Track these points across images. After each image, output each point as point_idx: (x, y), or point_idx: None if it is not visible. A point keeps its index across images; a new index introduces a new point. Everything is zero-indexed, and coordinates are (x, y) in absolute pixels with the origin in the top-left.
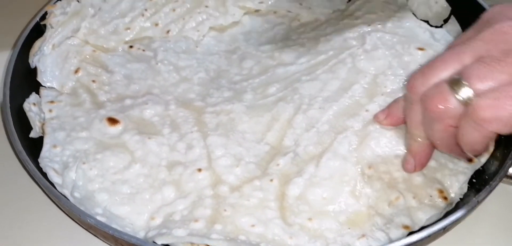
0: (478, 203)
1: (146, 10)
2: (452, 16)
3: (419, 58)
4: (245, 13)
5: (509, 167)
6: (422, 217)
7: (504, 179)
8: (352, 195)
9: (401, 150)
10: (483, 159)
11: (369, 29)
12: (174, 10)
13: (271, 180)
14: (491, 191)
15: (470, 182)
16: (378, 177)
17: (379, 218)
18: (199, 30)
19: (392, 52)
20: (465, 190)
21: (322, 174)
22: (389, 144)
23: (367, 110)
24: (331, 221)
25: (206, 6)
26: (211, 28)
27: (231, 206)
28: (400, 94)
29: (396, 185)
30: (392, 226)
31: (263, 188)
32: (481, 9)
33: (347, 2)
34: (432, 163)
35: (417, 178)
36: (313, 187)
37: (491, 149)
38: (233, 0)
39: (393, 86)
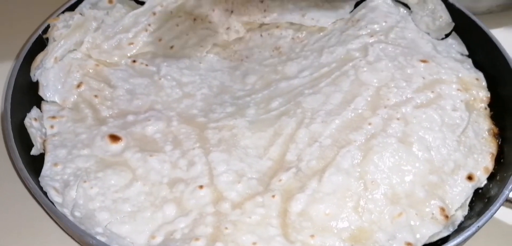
0: (479, 228)
1: (149, 25)
2: (453, 32)
3: (422, 70)
4: (248, 29)
5: (510, 191)
6: (425, 234)
7: (504, 203)
8: (355, 211)
9: (404, 164)
10: (484, 180)
11: (372, 40)
12: (177, 25)
13: (273, 196)
14: (491, 216)
15: (470, 203)
16: (381, 192)
17: (381, 234)
18: (202, 46)
19: (395, 64)
20: (466, 212)
21: (325, 189)
22: (391, 158)
23: (370, 124)
24: (333, 238)
25: (210, 22)
26: (214, 44)
27: (232, 224)
28: (403, 108)
29: (399, 200)
30: (395, 243)
31: (265, 205)
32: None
33: (350, 11)
34: (434, 178)
35: (419, 194)
36: (316, 203)
37: (491, 168)
38: (236, 15)
39: (396, 99)
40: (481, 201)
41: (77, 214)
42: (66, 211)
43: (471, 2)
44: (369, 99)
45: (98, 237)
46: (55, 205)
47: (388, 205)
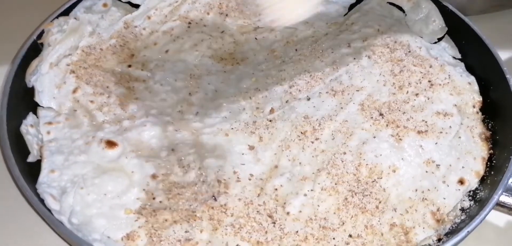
0: (469, 233)
1: (144, 29)
2: (446, 34)
3: (415, 74)
4: (243, 32)
5: (500, 195)
6: (418, 238)
7: (495, 207)
8: (348, 216)
9: (396, 168)
10: (475, 183)
11: (365, 44)
12: (172, 29)
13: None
14: (482, 220)
15: (461, 206)
16: (373, 197)
17: (376, 238)
18: (197, 51)
19: (388, 68)
20: (458, 215)
21: (318, 195)
22: (384, 164)
23: (363, 129)
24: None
25: (204, 26)
26: (209, 48)
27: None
28: (396, 112)
29: (392, 205)
30: None
31: (260, 210)
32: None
33: (344, 15)
34: (426, 183)
35: (412, 198)
36: (310, 208)
37: (482, 172)
38: (231, 19)
39: (389, 104)
40: (472, 204)
41: (74, 220)
42: (64, 218)
43: (465, 2)
44: (362, 104)
45: (95, 244)
46: (52, 212)
47: (382, 208)
